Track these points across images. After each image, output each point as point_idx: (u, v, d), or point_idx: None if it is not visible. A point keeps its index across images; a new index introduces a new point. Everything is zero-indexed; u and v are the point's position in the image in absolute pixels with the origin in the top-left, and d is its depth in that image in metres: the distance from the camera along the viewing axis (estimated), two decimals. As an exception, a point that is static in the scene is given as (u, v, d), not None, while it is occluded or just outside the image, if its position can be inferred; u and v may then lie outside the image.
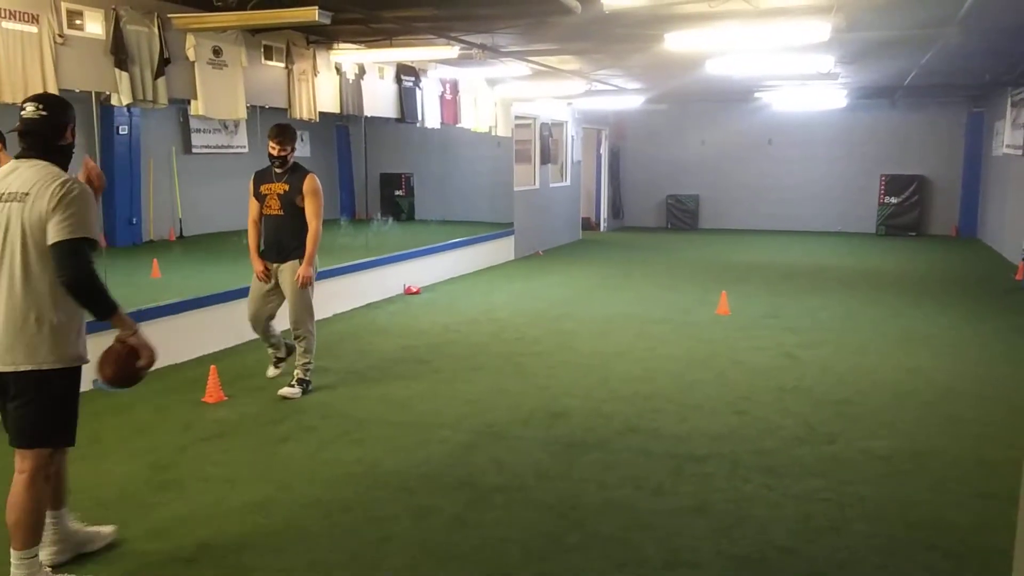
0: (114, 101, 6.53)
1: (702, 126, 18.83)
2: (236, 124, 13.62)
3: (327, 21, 6.20)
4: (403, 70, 10.24)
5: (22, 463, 3.18)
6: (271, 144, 5.77)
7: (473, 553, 3.65)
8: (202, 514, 4.01)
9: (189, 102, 7.36)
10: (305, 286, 5.86)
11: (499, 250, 13.43)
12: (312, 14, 6.05)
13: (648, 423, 5.42)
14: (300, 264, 5.82)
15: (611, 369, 6.79)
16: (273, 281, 5.93)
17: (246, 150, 14.36)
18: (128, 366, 3.32)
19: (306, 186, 5.79)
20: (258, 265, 5.89)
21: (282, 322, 6.16)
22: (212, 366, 6.11)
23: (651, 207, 19.73)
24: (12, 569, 3.17)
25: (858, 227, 17.98)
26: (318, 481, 4.45)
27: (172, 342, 6.92)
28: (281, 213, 5.81)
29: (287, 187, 5.80)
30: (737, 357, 7.15)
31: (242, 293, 7.22)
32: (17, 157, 3.21)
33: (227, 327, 7.41)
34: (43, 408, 3.16)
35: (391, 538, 3.79)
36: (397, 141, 16.34)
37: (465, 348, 7.53)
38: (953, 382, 6.39)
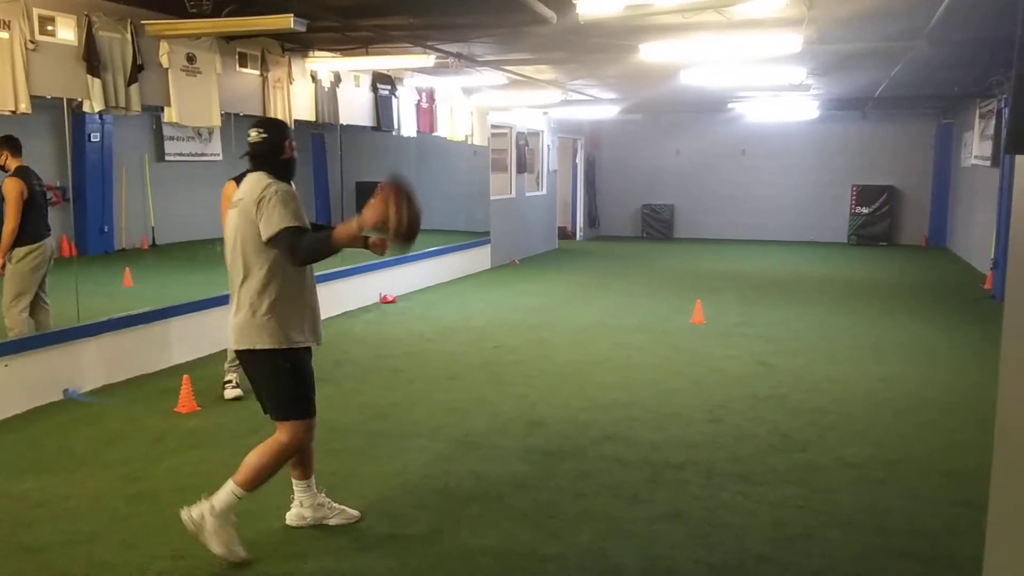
0: (86, 108, 6.45)
1: (677, 136, 18.97)
2: (210, 132, 13.50)
3: (302, 29, 6.19)
4: (379, 78, 10.23)
5: (279, 427, 3.71)
6: None
7: (449, 564, 3.64)
8: (176, 525, 3.95)
9: (162, 109, 7.29)
10: None
11: (475, 259, 13.42)
12: (287, 22, 6.03)
13: (625, 431, 5.43)
14: None
15: (588, 378, 6.80)
16: None
17: (220, 158, 14.23)
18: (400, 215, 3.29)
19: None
20: None
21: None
22: (185, 376, 6.03)
23: (627, 216, 19.83)
24: (219, 491, 3.60)
25: (830, 237, 18.19)
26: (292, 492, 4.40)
27: (144, 352, 6.85)
28: None
29: None
30: (712, 366, 7.19)
31: (216, 302, 7.18)
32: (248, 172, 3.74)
33: (200, 337, 7.34)
34: (262, 384, 3.70)
35: (367, 548, 3.77)
36: (373, 149, 16.24)
37: (442, 357, 7.51)
38: (925, 390, 6.47)
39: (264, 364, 3.63)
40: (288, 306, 3.61)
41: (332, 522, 4.00)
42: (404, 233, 3.30)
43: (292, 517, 4.00)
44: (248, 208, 3.55)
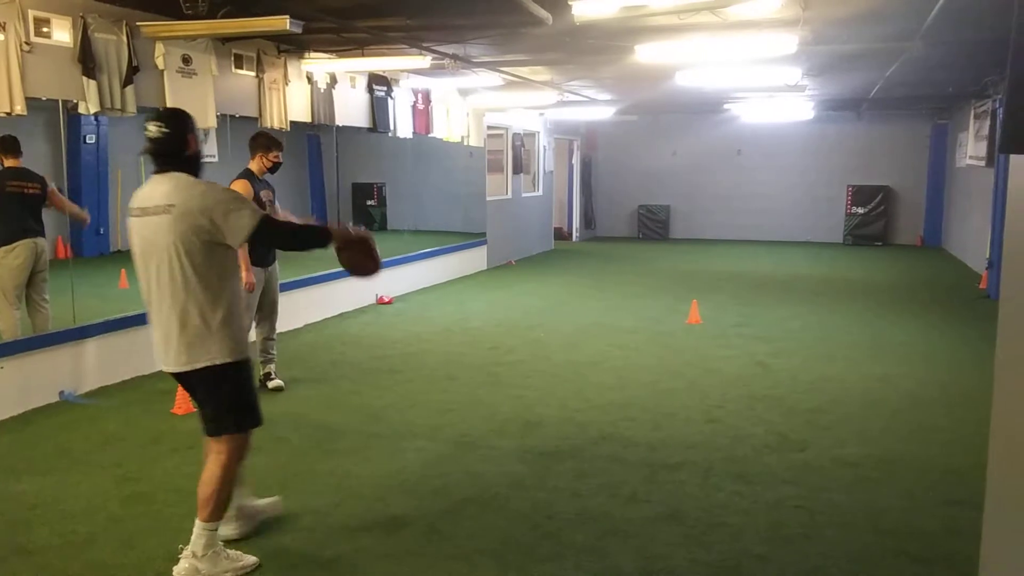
0: (81, 109, 6.43)
1: (673, 137, 18.99)
2: (206, 133, 13.46)
3: (298, 30, 6.19)
4: (375, 79, 10.22)
5: (217, 446, 3.52)
6: (277, 154, 6.04)
7: (446, 564, 3.64)
8: (172, 526, 3.96)
9: (158, 111, 7.28)
10: None
11: (472, 260, 13.42)
12: (283, 23, 6.03)
13: (622, 431, 5.43)
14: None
15: (585, 378, 6.80)
16: (262, 286, 6.21)
17: (216, 159, 14.13)
18: (360, 255, 3.61)
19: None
20: (251, 277, 5.88)
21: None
22: (182, 377, 6.03)
23: (623, 217, 19.84)
24: (193, 537, 3.47)
25: (825, 237, 18.22)
26: (290, 492, 4.39)
27: (141, 353, 6.82)
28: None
29: (272, 193, 6.11)
30: (709, 366, 7.20)
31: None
32: (155, 173, 3.41)
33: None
34: (221, 399, 3.48)
35: (363, 549, 3.77)
36: (369, 151, 16.28)
37: (438, 358, 7.51)
38: (921, 390, 6.48)
39: (223, 379, 3.42)
40: (237, 314, 3.45)
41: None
42: (359, 270, 3.68)
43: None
44: (192, 215, 3.24)
